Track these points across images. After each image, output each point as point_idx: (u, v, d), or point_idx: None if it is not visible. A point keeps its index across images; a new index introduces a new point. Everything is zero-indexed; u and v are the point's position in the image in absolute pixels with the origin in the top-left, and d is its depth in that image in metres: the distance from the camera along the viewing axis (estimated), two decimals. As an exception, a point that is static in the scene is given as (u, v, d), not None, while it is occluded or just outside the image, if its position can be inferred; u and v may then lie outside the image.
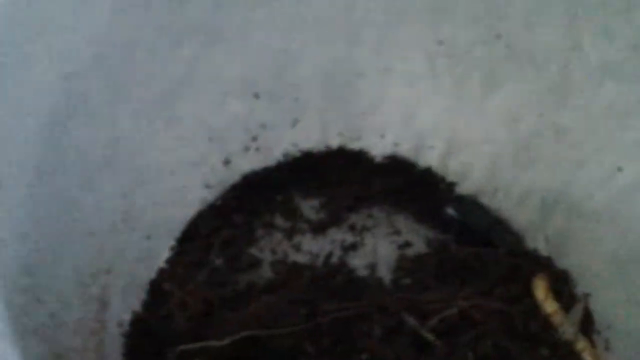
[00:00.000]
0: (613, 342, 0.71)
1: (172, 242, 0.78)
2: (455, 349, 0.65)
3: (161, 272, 0.74)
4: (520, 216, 0.79)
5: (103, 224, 0.71)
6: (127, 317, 0.70)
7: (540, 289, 0.71)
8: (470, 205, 0.80)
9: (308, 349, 0.67)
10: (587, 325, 0.71)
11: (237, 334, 0.66)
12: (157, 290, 0.73)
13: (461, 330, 0.67)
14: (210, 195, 0.80)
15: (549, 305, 0.70)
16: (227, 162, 0.80)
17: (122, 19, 0.74)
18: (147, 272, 0.74)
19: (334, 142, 0.84)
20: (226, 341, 0.66)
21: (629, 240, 0.71)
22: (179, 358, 0.67)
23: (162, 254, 0.76)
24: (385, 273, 0.76)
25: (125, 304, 0.70)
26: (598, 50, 0.73)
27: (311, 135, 0.83)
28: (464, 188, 0.82)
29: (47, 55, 0.70)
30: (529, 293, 0.71)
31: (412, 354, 0.65)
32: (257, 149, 0.81)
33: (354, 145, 0.84)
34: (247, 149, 0.81)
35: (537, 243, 0.77)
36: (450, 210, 0.79)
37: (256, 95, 0.81)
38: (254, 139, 0.81)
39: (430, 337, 0.67)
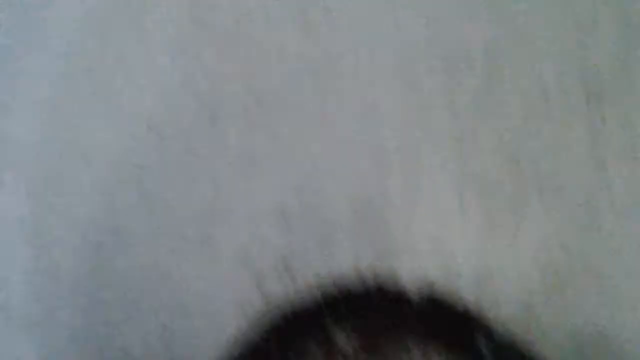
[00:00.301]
0: None
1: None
2: None
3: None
4: (556, 355, 0.79)
5: (142, 353, 0.72)
6: None
7: None
8: (504, 339, 0.80)
9: None
10: None
11: None
12: None
13: None
14: (245, 324, 0.81)
15: None
16: (260, 288, 0.81)
17: (161, 151, 0.77)
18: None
19: (366, 269, 0.85)
20: None
21: None
22: None
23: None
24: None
25: None
26: (624, 179, 0.76)
27: (342, 261, 0.84)
28: (497, 322, 0.82)
29: (93, 189, 0.73)
30: None
31: None
32: (290, 276, 0.83)
33: (386, 274, 0.85)
34: (280, 275, 0.82)
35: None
36: (482, 345, 0.79)
37: (287, 222, 0.83)
38: (286, 266, 0.82)
39: None
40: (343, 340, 0.82)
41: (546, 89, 0.81)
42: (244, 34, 0.83)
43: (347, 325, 0.83)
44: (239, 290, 0.81)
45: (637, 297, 0.75)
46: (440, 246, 0.84)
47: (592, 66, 0.79)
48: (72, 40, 0.80)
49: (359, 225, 0.85)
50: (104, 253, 0.75)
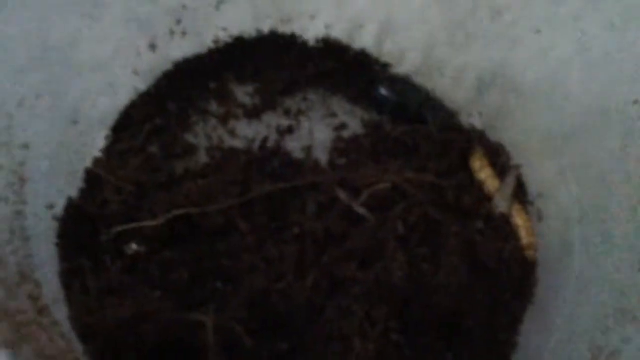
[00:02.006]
0: (545, 212, 0.72)
1: (106, 132, 0.76)
2: (386, 221, 0.66)
3: (96, 161, 0.73)
4: (455, 95, 0.81)
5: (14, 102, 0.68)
6: (57, 200, 0.69)
7: (476, 160, 0.72)
8: (404, 84, 0.80)
9: (241, 226, 0.67)
10: (520, 195, 0.72)
11: (169, 213, 0.66)
12: (92, 178, 0.72)
13: (392, 203, 0.67)
14: (141, 84, 0.78)
15: (484, 173, 0.70)
16: (153, 47, 0.78)
17: None
18: (79, 160, 0.73)
19: (265, 26, 0.82)
20: (159, 221, 0.66)
21: (561, 115, 0.74)
22: (114, 240, 0.67)
23: (97, 143, 0.75)
24: (321, 155, 0.76)
25: (52, 187, 0.69)
26: None
27: (240, 19, 0.82)
28: (399, 70, 0.82)
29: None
30: (463, 168, 0.73)
31: (342, 227, 0.66)
32: (184, 34, 0.79)
33: (286, 29, 0.82)
34: (172, 33, 0.79)
35: (472, 119, 0.78)
36: (383, 90, 0.79)
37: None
38: (178, 22, 0.79)
39: (361, 210, 0.67)
40: (243, 96, 0.81)
41: None
42: None
43: (248, 80, 0.81)
44: (131, 49, 0.78)
45: (529, 31, 0.75)
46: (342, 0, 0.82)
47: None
48: None
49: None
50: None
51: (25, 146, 0.67)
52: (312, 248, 0.66)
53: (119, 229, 0.67)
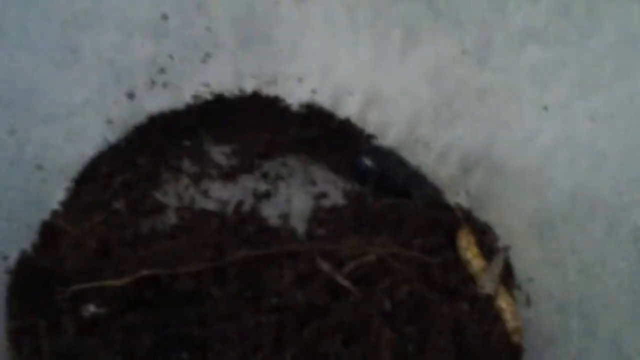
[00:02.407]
0: (534, 297, 0.69)
1: (68, 183, 0.71)
2: (372, 295, 0.62)
3: (54, 212, 0.68)
4: (440, 172, 0.78)
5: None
6: (12, 253, 0.64)
7: (463, 239, 0.69)
8: (389, 157, 0.78)
9: (214, 293, 0.62)
10: (507, 278, 0.69)
11: (136, 273, 0.60)
12: (49, 230, 0.66)
13: (378, 278, 0.64)
14: (112, 135, 0.73)
15: (471, 253, 0.67)
16: (131, 96, 0.74)
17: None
18: (37, 211, 0.67)
19: (248, 86, 0.79)
20: (124, 281, 0.60)
21: (547, 201, 0.71)
22: (71, 300, 0.61)
23: (56, 194, 0.69)
24: (299, 223, 0.72)
25: (10, 238, 0.64)
26: (521, 13, 0.72)
27: (223, 76, 0.79)
28: (383, 142, 0.79)
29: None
30: (448, 246, 0.69)
31: (324, 299, 0.61)
32: (165, 85, 0.75)
33: (270, 91, 0.79)
34: (153, 82, 0.75)
35: (458, 198, 0.75)
36: (367, 161, 0.76)
37: (166, 28, 0.75)
38: (161, 71, 0.75)
39: (345, 283, 0.63)
40: (219, 156, 0.76)
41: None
42: None
43: (225, 140, 0.77)
44: (108, 99, 0.73)
45: (514, 115, 0.73)
46: (328, 67, 0.80)
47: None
48: None
49: (244, 42, 0.79)
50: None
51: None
52: (291, 320, 0.60)
53: (77, 287, 0.60)
